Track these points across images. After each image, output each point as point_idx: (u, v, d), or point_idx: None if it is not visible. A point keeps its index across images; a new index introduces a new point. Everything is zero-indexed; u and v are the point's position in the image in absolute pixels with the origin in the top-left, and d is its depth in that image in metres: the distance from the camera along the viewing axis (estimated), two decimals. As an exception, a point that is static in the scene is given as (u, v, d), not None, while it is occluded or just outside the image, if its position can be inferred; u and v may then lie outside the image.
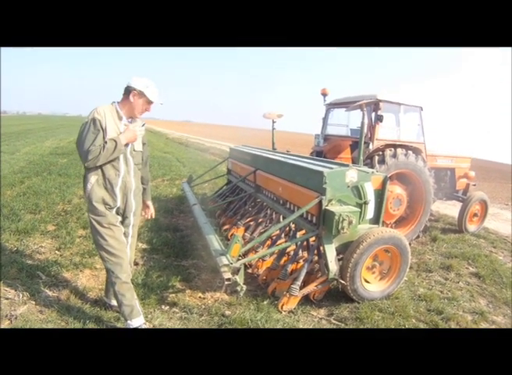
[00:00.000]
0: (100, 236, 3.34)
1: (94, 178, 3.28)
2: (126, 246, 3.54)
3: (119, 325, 3.66)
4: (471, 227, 8.54)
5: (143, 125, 3.48)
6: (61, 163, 13.73)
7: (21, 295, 4.02)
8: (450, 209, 10.78)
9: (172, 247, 5.80)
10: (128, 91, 3.29)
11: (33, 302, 3.95)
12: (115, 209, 3.43)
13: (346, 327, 4.06)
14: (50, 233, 6.00)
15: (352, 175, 4.34)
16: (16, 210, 6.87)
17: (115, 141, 3.17)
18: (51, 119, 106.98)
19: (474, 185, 9.16)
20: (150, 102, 3.39)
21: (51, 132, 35.83)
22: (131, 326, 3.40)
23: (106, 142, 3.15)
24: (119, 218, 3.50)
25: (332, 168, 4.42)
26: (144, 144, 3.68)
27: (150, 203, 4.10)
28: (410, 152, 6.67)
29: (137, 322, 3.42)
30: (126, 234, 3.58)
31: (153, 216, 4.18)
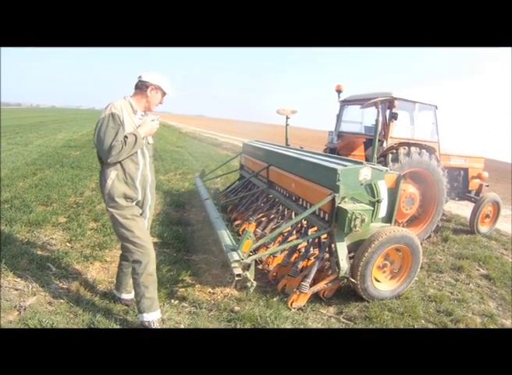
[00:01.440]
0: (125, 228, 3.33)
1: (113, 173, 3.27)
2: (149, 237, 3.56)
3: (129, 318, 3.67)
4: (483, 228, 8.45)
5: (157, 118, 3.49)
6: (73, 156, 13.81)
7: (31, 286, 4.03)
8: (462, 210, 10.69)
9: (183, 241, 5.81)
10: (144, 85, 3.31)
11: (43, 294, 3.96)
12: (135, 202, 3.45)
13: (355, 326, 4.04)
14: (61, 225, 6.02)
15: (366, 173, 4.30)
16: (28, 202, 6.91)
17: (135, 135, 3.19)
18: (65, 111, 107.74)
19: (487, 186, 9.08)
20: (164, 95, 3.44)
21: (65, 124, 36.06)
22: (146, 320, 3.39)
23: (127, 137, 3.16)
24: (140, 210, 3.52)
25: (345, 165, 4.39)
26: (152, 136, 3.69)
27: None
28: (424, 151, 6.60)
29: (155, 315, 3.42)
30: None
31: None
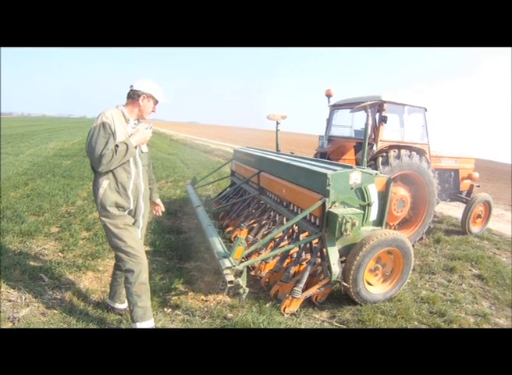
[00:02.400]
0: (117, 238, 3.34)
1: (105, 182, 3.28)
2: (142, 246, 3.56)
3: (122, 327, 3.67)
4: (475, 229, 8.54)
5: (150, 127, 3.51)
6: (65, 165, 13.77)
7: (24, 297, 4.02)
8: (454, 210, 10.77)
9: (175, 249, 5.81)
10: (136, 94, 3.33)
11: (36, 304, 3.94)
12: (127, 212, 3.45)
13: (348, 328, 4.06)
14: (53, 235, 6.01)
15: (356, 177, 4.33)
16: (20, 212, 6.89)
17: (126, 144, 3.19)
18: (56, 120, 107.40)
19: (478, 186, 9.15)
20: (157, 103, 3.46)
21: (56, 134, 35.93)
22: (139, 328, 3.38)
23: (118, 146, 3.16)
24: (133, 219, 3.52)
25: (335, 170, 4.41)
26: (147, 145, 3.70)
27: (158, 201, 4.09)
28: (414, 154, 6.65)
29: (148, 324, 3.40)
30: None
31: (163, 210, 4.17)
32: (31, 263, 4.85)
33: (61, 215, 7.15)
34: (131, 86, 3.37)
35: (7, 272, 4.48)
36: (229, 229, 6.55)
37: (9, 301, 3.94)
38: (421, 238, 7.34)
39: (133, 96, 3.35)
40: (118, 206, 3.35)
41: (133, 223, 3.54)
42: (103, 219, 3.35)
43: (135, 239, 3.43)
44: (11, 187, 9.16)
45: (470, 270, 6.23)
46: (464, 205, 8.53)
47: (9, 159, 14.31)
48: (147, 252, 5.50)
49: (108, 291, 4.06)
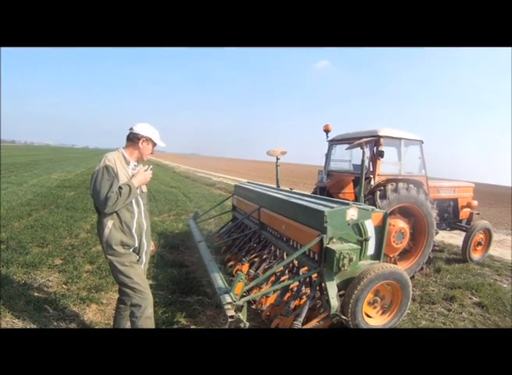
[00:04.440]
0: (124, 275, 3.47)
1: (110, 222, 3.42)
2: (147, 282, 3.69)
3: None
4: (476, 256, 8.59)
5: (150, 168, 3.66)
6: (68, 196, 13.91)
7: (28, 328, 4.08)
8: (455, 238, 10.79)
9: (178, 283, 5.86)
10: (136, 138, 3.49)
11: (41, 336, 4.01)
12: (132, 249, 3.58)
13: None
14: (57, 267, 6.10)
15: (352, 213, 4.43)
16: (24, 243, 7.01)
17: (129, 185, 3.35)
18: (59, 150, 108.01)
19: (478, 214, 9.22)
20: (155, 145, 3.63)
21: (59, 164, 36.23)
22: None
23: (121, 187, 3.30)
24: (137, 257, 3.66)
25: (332, 207, 4.51)
26: (145, 184, 3.85)
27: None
28: (411, 186, 6.74)
29: None
30: None
31: (153, 249, 4.25)
32: (36, 294, 4.95)
33: (64, 247, 7.25)
34: (131, 129, 3.53)
35: (12, 302, 4.58)
36: (231, 263, 6.59)
37: (14, 331, 4.02)
38: (422, 269, 7.37)
39: (133, 139, 3.51)
40: (123, 244, 3.48)
41: (138, 260, 3.67)
42: (109, 257, 3.48)
43: (140, 276, 3.56)
44: (15, 217, 9.30)
45: (470, 298, 6.25)
46: (465, 233, 8.58)
47: (13, 189, 14.47)
48: (149, 286, 5.58)
49: (112, 323, 4.13)
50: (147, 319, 3.49)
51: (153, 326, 3.57)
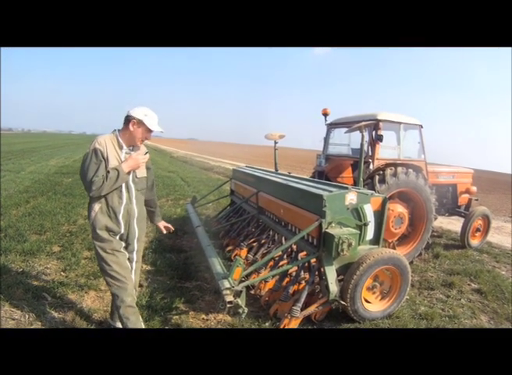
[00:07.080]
0: (104, 262, 3.43)
1: (97, 206, 3.36)
2: (130, 271, 3.61)
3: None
4: (474, 242, 8.58)
5: (146, 153, 3.52)
6: (66, 183, 13.87)
7: (27, 316, 4.07)
8: (454, 224, 10.79)
9: (176, 269, 5.84)
10: (127, 120, 3.36)
11: (39, 323, 4.00)
12: (118, 236, 3.51)
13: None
14: (55, 255, 6.07)
15: (351, 197, 4.41)
16: (22, 231, 6.98)
17: (117, 170, 3.25)
18: (56, 136, 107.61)
19: (477, 200, 9.20)
20: (149, 131, 3.42)
21: (56, 150, 36.07)
22: None
23: (109, 172, 3.22)
24: (123, 244, 3.58)
25: (331, 191, 4.49)
26: (148, 168, 3.75)
27: (161, 223, 4.23)
28: (410, 171, 6.70)
29: None
30: (130, 260, 3.65)
31: (172, 228, 4.28)
32: (34, 282, 4.93)
33: (62, 234, 7.22)
34: (128, 111, 3.42)
35: (10, 291, 4.55)
36: (229, 248, 6.61)
37: (13, 319, 4.00)
38: (420, 254, 7.38)
39: (126, 121, 3.39)
40: (108, 230, 3.43)
41: (127, 247, 3.62)
42: (94, 241, 3.46)
43: (121, 264, 3.49)
44: (13, 204, 9.26)
45: (469, 285, 6.24)
46: (463, 219, 8.58)
47: (10, 176, 14.41)
48: (148, 272, 5.58)
49: (110, 310, 4.13)
50: (127, 307, 3.45)
51: (137, 314, 3.53)
